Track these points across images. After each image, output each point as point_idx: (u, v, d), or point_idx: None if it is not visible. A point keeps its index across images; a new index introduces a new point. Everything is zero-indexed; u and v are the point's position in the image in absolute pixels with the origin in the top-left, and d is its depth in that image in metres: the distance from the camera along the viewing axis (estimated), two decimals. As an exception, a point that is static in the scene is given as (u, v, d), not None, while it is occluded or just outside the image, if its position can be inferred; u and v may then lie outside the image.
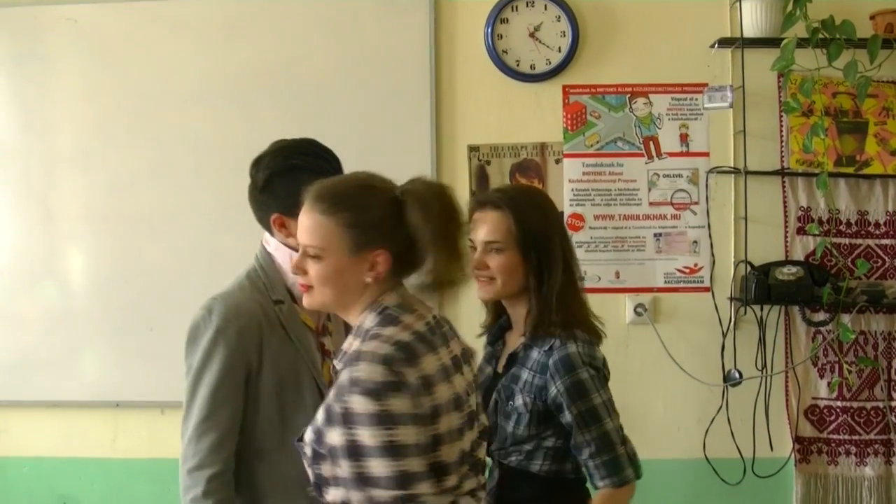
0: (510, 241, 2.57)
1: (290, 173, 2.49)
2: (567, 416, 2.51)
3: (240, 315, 2.43)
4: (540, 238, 2.57)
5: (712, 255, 3.92)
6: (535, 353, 2.58)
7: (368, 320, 2.07)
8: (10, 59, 4.06)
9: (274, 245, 2.56)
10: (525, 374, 2.58)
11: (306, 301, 2.17)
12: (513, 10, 3.94)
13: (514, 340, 2.70)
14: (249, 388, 2.43)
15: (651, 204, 3.95)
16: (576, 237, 3.92)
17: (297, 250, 2.24)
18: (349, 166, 3.67)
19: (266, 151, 2.59)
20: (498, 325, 2.79)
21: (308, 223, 2.09)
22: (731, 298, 3.92)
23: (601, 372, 2.63)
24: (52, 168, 4.07)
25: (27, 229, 4.07)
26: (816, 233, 3.88)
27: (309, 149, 2.59)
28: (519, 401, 2.58)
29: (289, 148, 2.58)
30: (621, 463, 2.54)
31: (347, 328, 2.38)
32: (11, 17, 4.04)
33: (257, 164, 2.57)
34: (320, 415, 2.00)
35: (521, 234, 2.57)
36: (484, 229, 2.61)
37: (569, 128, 3.95)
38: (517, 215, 2.58)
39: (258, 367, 2.43)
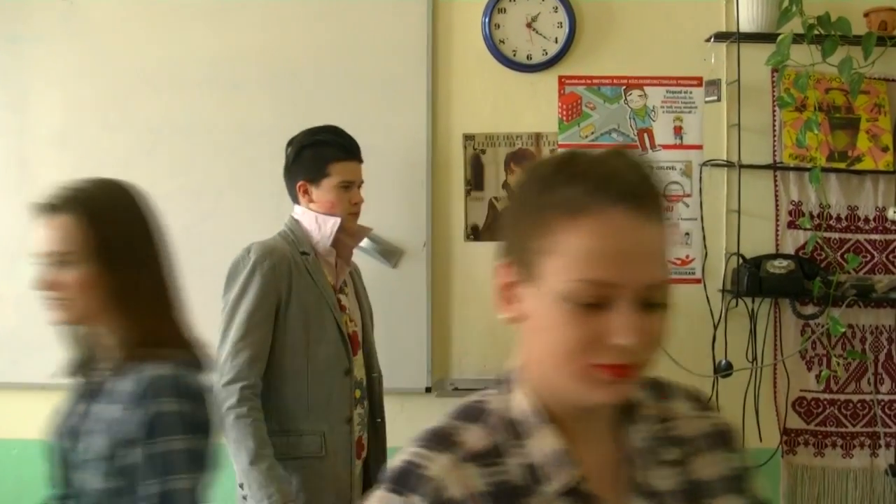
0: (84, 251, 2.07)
1: (317, 147, 3.10)
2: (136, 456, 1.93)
3: (273, 253, 2.95)
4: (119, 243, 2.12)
5: (704, 247, 3.95)
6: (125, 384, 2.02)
7: None
8: (7, 40, 4.02)
9: (300, 211, 3.12)
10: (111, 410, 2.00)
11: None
12: (510, 1, 3.95)
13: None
14: (278, 317, 2.90)
15: (644, 195, 3.96)
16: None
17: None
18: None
19: (298, 133, 3.19)
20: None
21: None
22: (723, 290, 3.95)
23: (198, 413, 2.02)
24: (44, 149, 4.02)
25: (7, 207, 4.02)
26: (807, 227, 3.92)
27: (334, 129, 3.18)
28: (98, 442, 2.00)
29: (317, 128, 3.17)
30: None
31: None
32: (8, -1, 4.02)
33: (290, 142, 3.17)
34: None
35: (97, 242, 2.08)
36: (50, 239, 2.09)
37: (564, 118, 3.97)
38: (91, 218, 2.10)
39: (287, 300, 2.93)
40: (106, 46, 4.00)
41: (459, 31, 3.98)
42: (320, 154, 3.09)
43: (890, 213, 3.93)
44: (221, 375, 2.82)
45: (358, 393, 3.11)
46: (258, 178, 3.92)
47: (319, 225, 3.08)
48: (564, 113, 3.97)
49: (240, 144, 3.96)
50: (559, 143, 3.96)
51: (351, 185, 3.14)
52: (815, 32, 3.69)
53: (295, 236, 3.08)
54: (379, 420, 3.24)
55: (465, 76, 3.99)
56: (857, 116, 3.93)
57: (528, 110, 3.98)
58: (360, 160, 3.21)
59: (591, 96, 3.97)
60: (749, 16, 3.82)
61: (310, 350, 2.95)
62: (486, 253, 3.94)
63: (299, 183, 3.12)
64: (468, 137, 3.97)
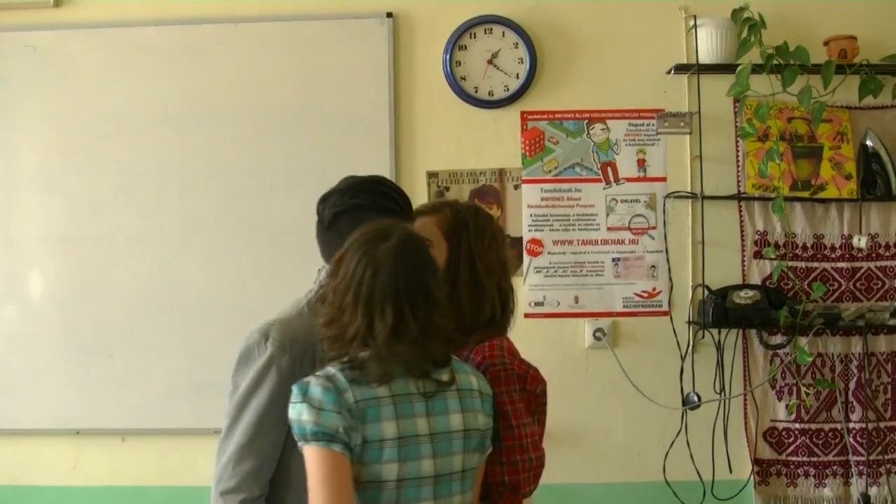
0: None
1: (354, 212, 2.49)
2: None
3: (295, 344, 2.43)
4: None
5: (670, 279, 3.95)
6: None
7: None
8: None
9: None
10: None
11: None
12: (471, 37, 3.97)
13: None
14: None
15: (609, 229, 3.97)
16: (535, 262, 3.95)
17: None
18: (307, 191, 3.66)
19: (333, 189, 2.58)
20: None
21: None
22: (690, 322, 3.94)
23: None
24: (13, 191, 4.06)
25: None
26: (773, 256, 3.91)
27: (375, 187, 2.57)
28: None
29: (355, 186, 2.56)
30: None
31: None
32: (-27, 43, 4.04)
33: (324, 201, 2.57)
34: None
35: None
36: None
37: (527, 153, 3.97)
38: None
39: None
40: (71, 89, 4.03)
41: (421, 68, 4.00)
42: (359, 220, 2.42)
43: (855, 241, 3.92)
44: (219, 481, 2.42)
45: None
46: (226, 217, 3.94)
47: None
48: (527, 148, 3.98)
49: (206, 184, 3.97)
50: (523, 178, 3.97)
51: None
52: (775, 62, 3.70)
53: None
54: None
55: (428, 114, 4.00)
56: (820, 145, 3.93)
57: (491, 146, 3.99)
58: (408, 218, 2.56)
59: (553, 131, 3.98)
60: (708, 47, 3.83)
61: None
62: (452, 289, 3.94)
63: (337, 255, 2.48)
64: (432, 175, 3.98)
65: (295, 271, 3.35)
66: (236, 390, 2.45)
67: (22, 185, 4.05)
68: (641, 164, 3.97)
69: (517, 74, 3.96)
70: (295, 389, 2.07)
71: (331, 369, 2.09)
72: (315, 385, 2.05)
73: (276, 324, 2.47)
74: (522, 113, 3.99)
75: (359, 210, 2.49)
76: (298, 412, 2.04)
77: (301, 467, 2.31)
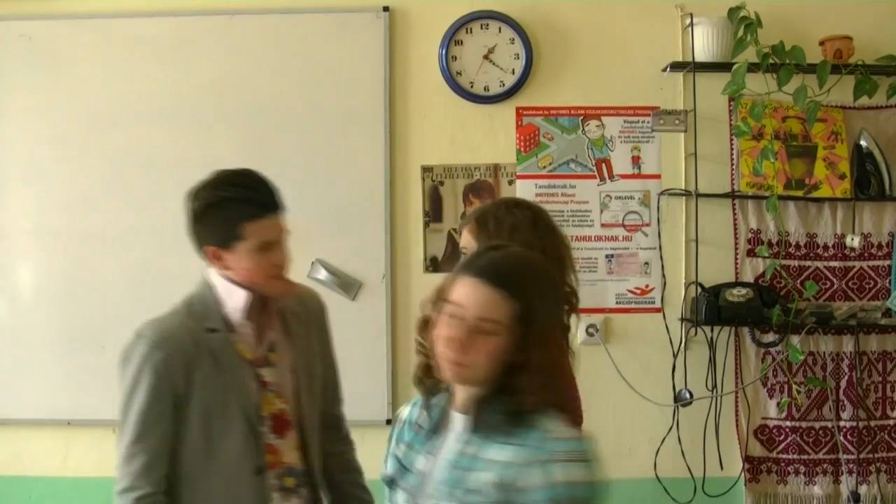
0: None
1: (222, 205, 2.45)
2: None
3: (167, 341, 2.44)
4: None
5: (663, 276, 3.96)
6: None
7: None
8: (-37, 73, 4.04)
9: (213, 275, 2.54)
10: None
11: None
12: (467, 33, 3.96)
13: None
14: (178, 413, 2.43)
15: (603, 225, 3.98)
16: (528, 258, 3.94)
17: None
18: (303, 186, 3.72)
19: (200, 183, 2.52)
20: None
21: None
22: (682, 319, 3.95)
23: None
24: (5, 183, 4.05)
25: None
26: (766, 255, 3.92)
27: (242, 180, 2.50)
28: None
29: (223, 179, 2.50)
30: None
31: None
32: (-34, 32, 4.03)
33: (193, 195, 2.51)
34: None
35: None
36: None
37: (522, 149, 3.98)
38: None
39: (186, 394, 2.43)
40: (65, 81, 4.01)
41: (416, 63, 3.99)
42: (229, 214, 2.43)
43: (848, 241, 3.93)
44: (116, 482, 2.44)
45: (290, 481, 2.60)
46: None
47: (230, 296, 2.51)
48: (522, 144, 3.98)
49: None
50: (517, 173, 3.97)
51: (272, 245, 2.49)
52: (770, 61, 3.70)
53: (204, 307, 2.52)
54: None
55: (423, 108, 4.00)
56: (814, 144, 3.94)
57: (486, 142, 4.00)
58: (279, 211, 2.51)
59: (548, 127, 3.98)
60: (704, 45, 3.84)
61: (210, 448, 2.45)
62: (445, 284, 3.95)
63: (208, 248, 2.49)
64: (426, 169, 3.97)
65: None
66: (122, 393, 2.47)
67: (13, 177, 4.03)
68: (636, 161, 3.98)
69: (513, 70, 3.96)
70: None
71: None
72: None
73: (149, 323, 2.50)
74: (518, 109, 3.99)
75: (228, 203, 2.45)
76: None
77: (191, 462, 2.43)
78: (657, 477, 3.92)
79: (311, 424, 2.65)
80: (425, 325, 2.03)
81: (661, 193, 3.97)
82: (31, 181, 4.03)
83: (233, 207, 2.43)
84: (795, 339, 3.87)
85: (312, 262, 3.04)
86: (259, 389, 2.53)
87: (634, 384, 3.87)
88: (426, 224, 3.98)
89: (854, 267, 3.99)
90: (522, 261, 2.05)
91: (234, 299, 2.50)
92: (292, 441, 2.60)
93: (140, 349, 2.44)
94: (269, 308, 2.58)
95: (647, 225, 3.97)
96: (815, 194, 3.93)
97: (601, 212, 3.98)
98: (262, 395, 2.54)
